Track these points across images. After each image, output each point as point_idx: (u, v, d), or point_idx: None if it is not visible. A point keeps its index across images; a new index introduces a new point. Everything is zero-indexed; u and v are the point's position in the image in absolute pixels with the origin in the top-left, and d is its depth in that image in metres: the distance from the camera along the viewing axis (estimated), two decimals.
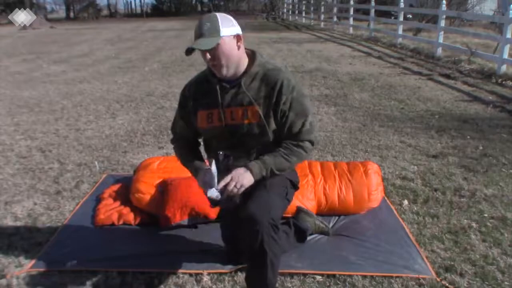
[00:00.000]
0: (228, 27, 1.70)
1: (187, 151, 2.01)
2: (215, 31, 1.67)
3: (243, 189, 1.70)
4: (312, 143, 1.85)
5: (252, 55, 1.84)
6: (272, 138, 1.81)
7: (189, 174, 1.99)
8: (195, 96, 1.90)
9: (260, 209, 1.69)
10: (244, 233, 1.72)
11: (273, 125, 1.80)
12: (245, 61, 1.81)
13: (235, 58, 1.74)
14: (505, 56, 7.37)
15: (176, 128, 2.05)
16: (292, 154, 1.80)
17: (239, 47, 1.74)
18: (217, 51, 1.69)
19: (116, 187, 2.97)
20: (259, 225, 1.65)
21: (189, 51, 1.69)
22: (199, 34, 1.68)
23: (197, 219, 2.50)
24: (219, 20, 1.69)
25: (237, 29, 1.74)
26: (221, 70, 1.74)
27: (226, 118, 1.81)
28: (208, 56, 1.70)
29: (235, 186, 1.67)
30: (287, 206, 1.96)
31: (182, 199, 2.47)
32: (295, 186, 1.99)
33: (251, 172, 1.72)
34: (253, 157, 1.81)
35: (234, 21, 1.75)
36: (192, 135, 2.00)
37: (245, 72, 1.79)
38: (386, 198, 2.87)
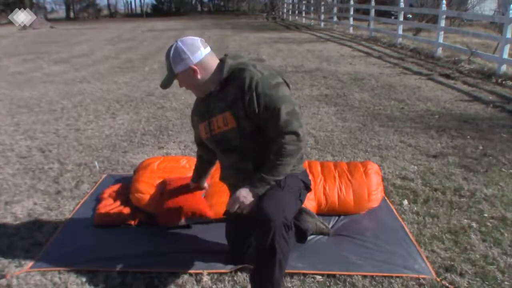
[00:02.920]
0: (180, 62, 1.80)
1: (197, 156, 2.31)
2: (170, 70, 1.85)
3: (247, 210, 1.79)
4: (294, 133, 1.74)
5: (221, 64, 1.86)
6: (245, 143, 1.84)
7: (187, 173, 2.23)
8: (195, 109, 2.07)
9: (275, 207, 1.71)
10: (256, 230, 1.74)
11: (247, 128, 1.81)
12: (217, 74, 1.85)
13: (199, 85, 1.87)
14: (505, 56, 7.37)
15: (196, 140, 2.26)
16: (283, 156, 1.75)
17: (196, 77, 1.82)
18: (180, 82, 1.89)
19: (116, 187, 2.97)
20: (272, 223, 1.66)
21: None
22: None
23: (194, 220, 2.50)
24: (171, 59, 1.81)
25: (191, 60, 1.79)
26: (195, 94, 1.96)
27: (214, 127, 1.90)
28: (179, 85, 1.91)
29: (239, 207, 1.78)
30: (300, 206, 1.98)
31: (179, 201, 2.46)
32: (307, 188, 2.01)
33: (253, 193, 1.78)
34: (247, 163, 1.87)
35: (190, 51, 1.79)
36: (204, 145, 2.15)
37: (217, 80, 1.85)
38: (386, 198, 2.87)
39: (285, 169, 1.79)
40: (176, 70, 1.82)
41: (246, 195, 1.77)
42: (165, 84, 1.89)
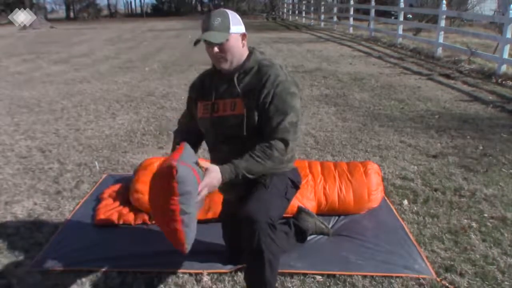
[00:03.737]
0: (237, 25, 1.79)
1: (180, 137, 2.00)
2: (226, 27, 1.75)
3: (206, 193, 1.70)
4: (285, 143, 1.76)
5: (250, 52, 1.89)
6: (248, 133, 1.81)
7: None
8: (198, 87, 2.00)
9: (258, 208, 1.70)
10: (242, 232, 1.73)
11: (254, 119, 1.80)
12: (246, 59, 1.86)
13: (238, 55, 1.82)
14: (505, 56, 7.37)
15: (183, 119, 2.13)
16: (265, 157, 1.74)
17: (243, 45, 1.83)
18: (225, 46, 1.76)
19: (116, 187, 2.97)
20: (256, 225, 1.66)
21: (198, 42, 1.75)
22: (209, 27, 1.74)
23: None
24: (230, 17, 1.77)
25: (243, 28, 1.84)
26: (225, 64, 1.81)
27: (219, 109, 1.87)
28: (216, 49, 1.76)
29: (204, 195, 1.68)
30: (287, 206, 1.96)
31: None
32: (296, 186, 1.99)
33: (222, 177, 1.69)
34: (234, 154, 1.79)
35: (241, 20, 1.84)
36: (195, 127, 2.02)
37: (241, 66, 1.84)
38: (386, 198, 2.87)
39: (259, 169, 1.75)
40: (232, 30, 1.76)
41: (215, 182, 1.69)
42: (219, 39, 1.72)
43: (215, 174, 1.68)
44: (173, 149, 1.96)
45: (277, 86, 1.78)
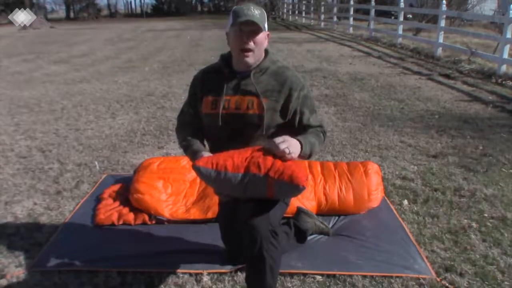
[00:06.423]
0: (266, 23, 1.83)
1: (188, 132, 1.96)
2: (264, 20, 1.80)
3: (292, 155, 1.65)
4: (325, 132, 1.94)
5: (265, 52, 1.90)
6: (266, 132, 1.83)
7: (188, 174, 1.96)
8: (204, 82, 1.94)
9: (259, 215, 1.70)
10: (243, 239, 1.73)
11: (276, 120, 1.82)
12: (263, 56, 1.89)
13: (262, 53, 1.85)
14: (505, 56, 7.37)
15: (183, 116, 2.04)
16: (320, 140, 1.87)
17: (266, 43, 1.86)
18: (259, 39, 1.78)
19: (116, 187, 2.97)
20: (257, 232, 1.65)
21: (245, 22, 1.73)
22: (250, 15, 1.74)
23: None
24: (264, 14, 1.82)
25: None
26: (251, 59, 1.81)
27: (230, 106, 1.84)
28: (251, 40, 1.76)
29: (287, 147, 1.65)
30: (286, 209, 1.96)
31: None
32: None
33: (301, 144, 1.72)
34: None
35: None
36: (198, 124, 1.98)
37: (258, 65, 1.85)
38: (386, 198, 2.87)
39: (317, 151, 1.86)
40: (266, 25, 1.82)
41: (295, 143, 1.69)
42: (263, 25, 1.76)
43: (291, 139, 1.70)
44: (188, 146, 1.89)
45: (302, 88, 1.86)
